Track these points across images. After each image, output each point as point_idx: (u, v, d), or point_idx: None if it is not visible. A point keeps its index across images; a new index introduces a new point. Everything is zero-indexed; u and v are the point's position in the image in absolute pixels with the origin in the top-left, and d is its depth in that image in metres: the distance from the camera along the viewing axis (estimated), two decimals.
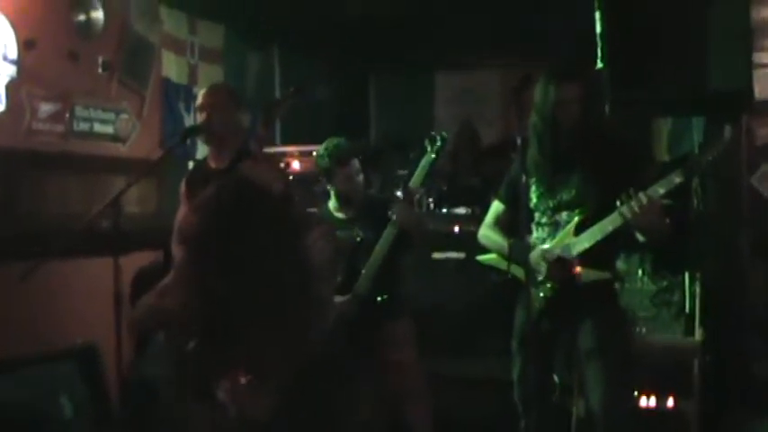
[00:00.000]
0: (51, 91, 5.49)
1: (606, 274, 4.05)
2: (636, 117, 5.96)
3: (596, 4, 5.34)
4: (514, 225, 4.18)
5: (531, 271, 3.99)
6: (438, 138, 4.82)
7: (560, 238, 4.00)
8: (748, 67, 5.70)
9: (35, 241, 5.06)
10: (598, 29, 5.37)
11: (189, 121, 6.77)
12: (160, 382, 4.60)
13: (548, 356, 4.17)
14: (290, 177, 6.24)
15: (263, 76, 8.20)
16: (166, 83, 6.67)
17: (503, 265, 4.16)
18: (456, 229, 6.25)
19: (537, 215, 4.12)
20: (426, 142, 4.85)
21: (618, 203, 3.81)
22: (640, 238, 3.91)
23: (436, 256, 6.14)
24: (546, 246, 4.03)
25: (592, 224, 3.93)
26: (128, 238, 4.44)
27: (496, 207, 4.38)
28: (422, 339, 4.87)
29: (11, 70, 5.19)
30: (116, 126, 6.07)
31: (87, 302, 5.28)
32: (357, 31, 7.88)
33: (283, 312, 2.10)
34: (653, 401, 5.14)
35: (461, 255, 6.01)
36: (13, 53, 5.20)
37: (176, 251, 4.79)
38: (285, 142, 7.58)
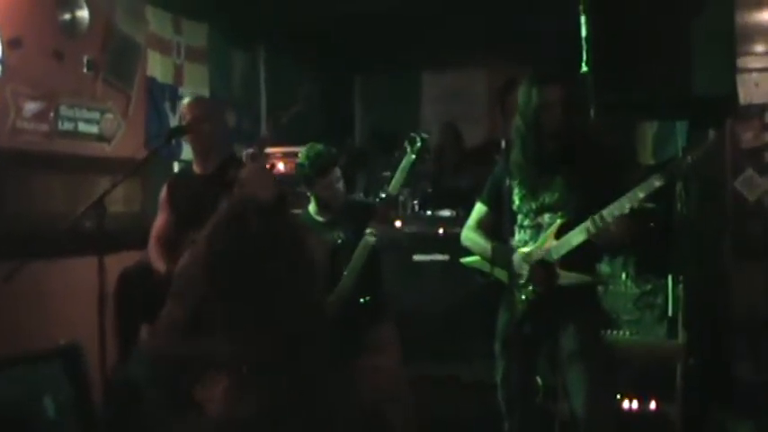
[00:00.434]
0: (36, 90, 5.47)
1: (587, 278, 4.07)
2: (621, 121, 5.97)
3: (582, 8, 5.35)
4: (497, 227, 4.20)
5: (513, 274, 4.01)
6: (418, 138, 4.80)
7: (541, 242, 4.01)
8: (732, 71, 5.72)
9: (19, 241, 5.05)
10: (583, 32, 5.38)
11: (174, 120, 6.74)
12: (144, 383, 4.60)
13: (530, 359, 4.19)
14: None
15: (248, 75, 8.19)
16: (152, 82, 6.66)
17: (486, 267, 4.18)
18: (440, 231, 6.26)
19: (519, 217, 4.13)
20: (406, 143, 4.83)
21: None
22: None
23: (420, 258, 6.15)
24: (527, 249, 4.04)
25: (573, 228, 3.95)
26: (112, 238, 4.43)
27: (479, 209, 4.39)
28: (405, 342, 4.88)
29: None
30: (101, 126, 6.05)
31: (71, 302, 5.27)
32: (343, 30, 7.89)
33: (282, 315, 2.10)
34: (636, 404, 5.17)
35: (446, 257, 6.02)
36: None
37: (155, 258, 4.79)
38: (266, 135, 7.59)
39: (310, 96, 8.81)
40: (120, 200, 5.89)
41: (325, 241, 4.73)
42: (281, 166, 6.57)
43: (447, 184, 7.42)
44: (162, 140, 5.28)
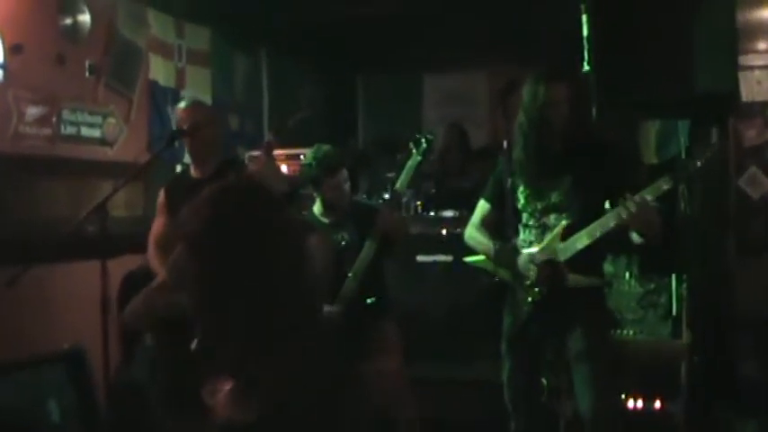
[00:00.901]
0: (38, 95, 5.48)
1: (595, 280, 4.06)
2: (623, 120, 5.97)
3: (583, 8, 5.34)
4: (500, 225, 4.19)
5: (518, 275, 3.99)
6: (423, 140, 4.82)
7: (547, 243, 3.98)
8: (734, 69, 5.71)
9: (22, 245, 5.05)
10: (585, 32, 5.38)
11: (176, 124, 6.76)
12: (148, 387, 4.61)
13: (536, 359, 4.18)
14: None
15: (250, 78, 8.19)
16: (154, 86, 6.66)
17: (491, 266, 4.16)
18: (443, 231, 6.26)
19: (524, 216, 4.11)
20: (411, 144, 4.84)
21: (609, 207, 3.81)
22: (636, 239, 3.90)
23: (423, 259, 6.14)
24: (533, 250, 4.03)
25: (579, 229, 3.91)
26: (115, 241, 4.43)
27: (482, 207, 4.36)
28: (408, 342, 4.88)
29: None
30: (103, 130, 6.06)
31: (75, 307, 5.27)
32: (345, 32, 7.89)
33: (278, 317, 2.10)
34: (640, 403, 5.16)
35: (449, 258, 6.02)
36: (0, 57, 5.19)
37: (155, 262, 4.79)
38: (273, 139, 7.58)
39: (314, 101, 8.82)
40: (122, 204, 5.90)
41: (330, 242, 4.73)
42: (284, 168, 6.57)
43: (451, 184, 7.41)
44: (164, 144, 5.28)
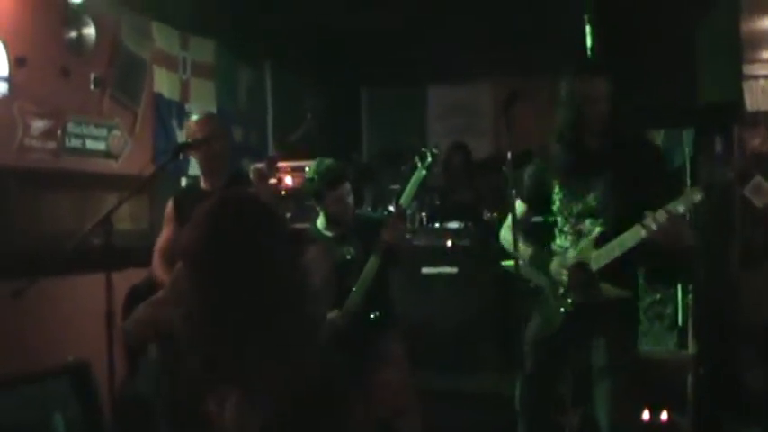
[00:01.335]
0: (43, 108, 5.49)
1: (627, 292, 3.91)
2: (628, 129, 5.97)
3: (587, 18, 5.36)
4: (536, 226, 4.12)
5: (552, 281, 3.92)
6: (428, 154, 4.80)
7: (581, 249, 3.88)
8: (738, 78, 5.72)
9: (28, 258, 5.05)
10: (588, 43, 5.39)
11: (181, 136, 6.75)
12: (153, 400, 4.60)
13: (558, 368, 4.12)
14: (282, 193, 6.25)
15: (254, 90, 8.20)
16: (158, 99, 6.67)
17: (527, 271, 4.10)
18: (448, 243, 6.25)
19: (560, 221, 4.02)
20: (417, 158, 4.82)
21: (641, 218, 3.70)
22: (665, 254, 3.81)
23: (428, 270, 6.13)
24: (568, 256, 3.93)
25: (614, 236, 3.80)
26: (120, 254, 4.42)
27: (519, 207, 4.12)
28: (414, 354, 4.86)
29: (2, 87, 5.19)
30: (108, 142, 6.06)
31: (79, 320, 5.26)
32: (348, 44, 7.90)
33: (277, 329, 2.09)
34: (647, 414, 5.14)
35: (454, 269, 6.01)
36: (5, 70, 5.20)
37: (160, 273, 4.79)
38: (276, 154, 7.57)
39: (318, 113, 8.81)
40: (127, 217, 5.89)
41: (334, 256, 4.72)
42: (288, 181, 6.57)
43: (455, 196, 7.41)
44: (169, 157, 5.28)
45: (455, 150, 7.80)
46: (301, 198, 5.30)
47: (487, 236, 6.00)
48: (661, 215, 3.59)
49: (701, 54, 5.53)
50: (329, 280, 4.61)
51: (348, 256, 4.75)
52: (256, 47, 7.86)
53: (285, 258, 2.16)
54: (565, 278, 3.88)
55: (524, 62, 7.45)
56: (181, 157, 5.71)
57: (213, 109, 7.17)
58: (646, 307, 5.42)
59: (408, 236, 5.94)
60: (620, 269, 3.83)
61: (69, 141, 5.72)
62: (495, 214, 6.27)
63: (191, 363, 2.14)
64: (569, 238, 3.98)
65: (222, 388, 2.15)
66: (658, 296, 5.42)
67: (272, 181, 5.98)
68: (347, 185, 4.81)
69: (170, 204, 4.97)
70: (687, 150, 5.66)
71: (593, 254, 3.84)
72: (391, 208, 4.86)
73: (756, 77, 5.85)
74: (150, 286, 4.88)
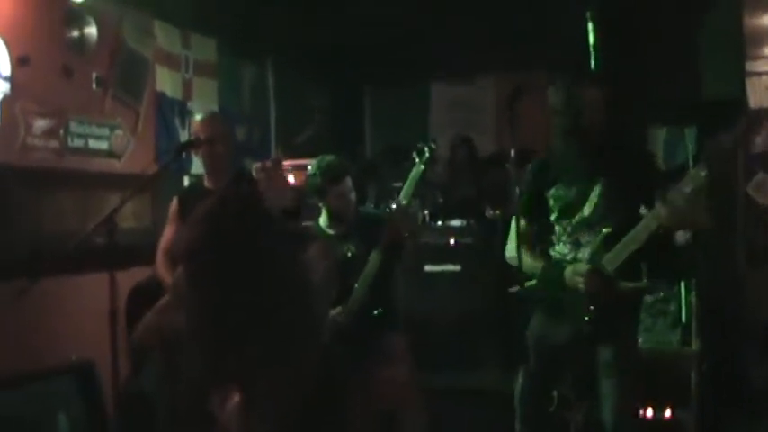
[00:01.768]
0: (46, 107, 5.49)
1: (644, 284, 3.95)
2: (630, 127, 5.96)
3: (589, 16, 5.35)
4: (538, 237, 4.10)
5: (570, 293, 3.88)
6: (426, 148, 4.79)
7: (592, 255, 3.84)
8: (742, 75, 5.71)
9: (31, 258, 5.05)
10: (591, 39, 5.38)
11: (184, 135, 6.77)
12: (156, 399, 4.60)
13: (561, 368, 4.11)
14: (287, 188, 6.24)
15: (257, 88, 8.20)
16: (161, 97, 6.67)
17: (547, 288, 4.01)
18: (452, 241, 6.24)
19: (558, 229, 4.01)
20: (415, 153, 4.81)
21: (646, 211, 3.69)
22: (681, 238, 3.77)
23: (432, 268, 6.13)
24: (580, 263, 3.88)
25: (619, 238, 3.77)
26: (123, 253, 4.42)
27: (518, 222, 4.09)
28: (417, 352, 4.86)
29: (5, 87, 5.20)
30: (111, 142, 6.07)
31: (83, 319, 5.27)
32: (351, 42, 7.89)
33: (279, 328, 2.09)
34: (650, 412, 5.14)
35: (457, 267, 6.00)
36: (7, 70, 5.20)
37: (163, 272, 4.79)
38: (281, 153, 7.58)
39: (321, 112, 8.81)
40: (130, 215, 5.90)
41: (336, 254, 4.72)
42: (291, 179, 6.57)
43: (458, 194, 7.40)
44: (172, 155, 5.28)
45: (459, 143, 7.81)
46: (304, 196, 5.28)
47: (490, 233, 6.00)
48: (673, 197, 3.57)
49: (704, 51, 5.52)
50: (331, 278, 4.60)
51: (350, 254, 4.74)
52: (258, 45, 7.85)
53: (286, 257, 2.15)
54: (582, 286, 3.85)
55: (527, 59, 7.44)
56: (183, 155, 5.72)
57: (215, 107, 7.17)
58: (649, 304, 5.41)
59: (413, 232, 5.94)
60: (628, 264, 3.80)
61: (72, 141, 5.72)
62: (498, 212, 6.26)
63: (193, 363, 2.14)
64: (568, 245, 3.97)
65: (225, 388, 2.15)
66: (661, 293, 5.41)
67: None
68: (349, 181, 4.80)
69: (174, 203, 4.98)
70: (690, 148, 5.65)
71: (606, 256, 3.82)
72: (393, 205, 4.82)
73: (759, 74, 5.84)
74: (154, 285, 4.89)
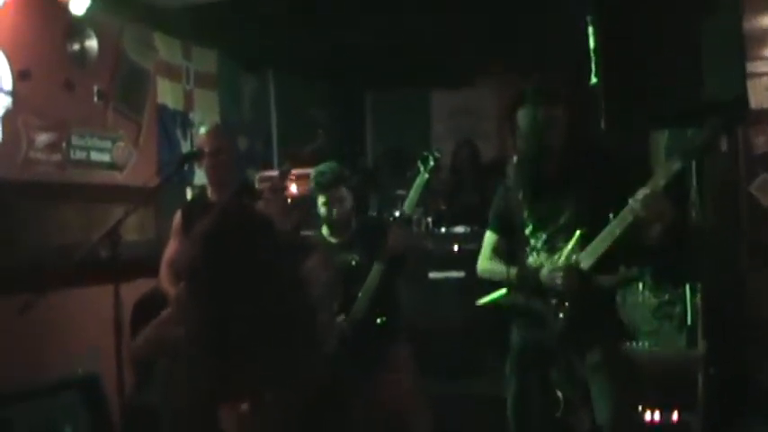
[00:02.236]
0: (47, 121, 5.50)
1: (624, 276, 3.98)
2: (631, 130, 5.96)
3: (589, 20, 5.35)
4: (511, 253, 4.13)
5: (543, 293, 3.92)
6: (431, 157, 4.78)
7: (568, 254, 3.87)
8: (743, 76, 5.71)
9: (35, 271, 5.05)
10: (591, 44, 5.38)
11: (185, 146, 6.78)
12: (162, 410, 4.59)
13: (549, 374, 4.13)
14: (288, 201, 6.23)
15: (258, 99, 8.21)
16: (162, 109, 6.68)
17: (507, 299, 4.08)
18: (455, 248, 6.23)
19: (533, 242, 4.02)
20: (419, 162, 4.80)
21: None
22: (654, 234, 3.80)
23: (436, 275, 6.12)
24: (557, 262, 3.91)
25: (593, 239, 3.81)
26: (127, 266, 4.42)
27: (490, 238, 4.25)
28: (422, 359, 4.85)
29: (6, 101, 5.21)
30: (113, 154, 6.08)
31: (88, 331, 5.27)
32: (352, 50, 7.90)
33: (282, 340, 2.09)
34: (657, 415, 5.13)
35: (461, 274, 5.99)
36: (8, 84, 5.22)
37: (167, 285, 4.79)
38: (282, 164, 7.57)
39: (322, 120, 8.81)
40: (134, 228, 5.90)
41: (338, 263, 4.70)
42: (293, 188, 6.55)
43: (461, 200, 7.40)
44: (174, 167, 5.28)
45: (462, 146, 7.81)
46: (307, 205, 5.27)
47: None
48: (642, 192, 3.61)
49: (705, 53, 5.51)
50: (332, 287, 4.59)
51: (353, 263, 4.72)
52: (259, 55, 7.86)
53: (287, 270, 2.16)
54: (560, 281, 3.88)
55: (529, 65, 7.44)
56: (186, 167, 5.72)
57: (217, 118, 7.19)
58: (654, 307, 5.41)
59: (416, 241, 5.93)
60: (608, 262, 3.83)
61: (74, 153, 5.73)
62: None
63: (197, 376, 2.14)
64: (543, 254, 3.99)
65: (229, 400, 2.15)
66: (666, 296, 5.40)
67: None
68: (342, 189, 4.76)
69: (177, 216, 4.97)
70: None
71: (581, 254, 3.85)
72: (397, 213, 4.80)
73: (760, 75, 5.84)
74: (158, 297, 4.89)
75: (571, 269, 3.85)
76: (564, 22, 6.06)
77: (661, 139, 6.30)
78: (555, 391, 4.16)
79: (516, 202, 4.00)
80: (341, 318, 4.59)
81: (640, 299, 5.43)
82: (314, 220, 5.12)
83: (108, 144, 6.04)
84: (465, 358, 5.87)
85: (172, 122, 6.77)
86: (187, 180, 6.71)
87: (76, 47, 5.81)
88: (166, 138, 6.69)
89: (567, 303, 3.90)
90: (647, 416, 5.12)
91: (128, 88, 6.26)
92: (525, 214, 4.02)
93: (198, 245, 2.15)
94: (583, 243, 3.85)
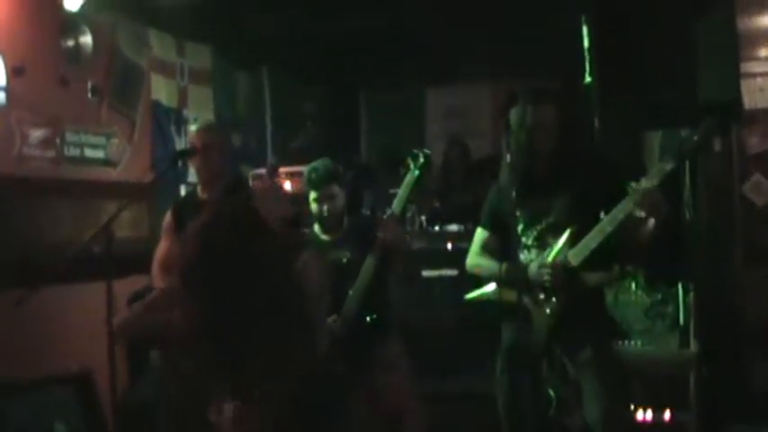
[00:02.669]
0: (41, 117, 5.49)
1: (613, 274, 4.08)
2: (626, 130, 5.97)
3: (584, 19, 5.35)
4: (502, 250, 4.15)
5: (531, 289, 3.94)
6: (421, 155, 4.76)
7: (558, 251, 3.91)
8: (737, 77, 5.71)
9: (28, 267, 5.04)
10: (586, 43, 5.38)
11: (180, 143, 6.77)
12: (154, 407, 4.60)
13: (541, 372, 4.13)
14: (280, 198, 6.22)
15: (252, 96, 8.20)
16: (156, 106, 6.67)
17: (495, 295, 4.11)
18: (448, 246, 6.24)
19: (524, 239, 4.05)
20: (409, 160, 4.79)
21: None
22: (645, 232, 3.82)
23: (429, 274, 6.11)
24: (546, 258, 3.95)
25: (582, 237, 3.85)
26: (120, 262, 4.42)
27: (481, 234, 4.30)
28: (414, 357, 4.85)
29: (0, 97, 5.19)
30: (107, 150, 6.07)
31: (81, 328, 5.26)
32: (346, 47, 7.90)
33: (275, 335, 2.10)
34: (650, 415, 5.14)
35: (454, 272, 5.99)
36: (2, 80, 5.20)
37: (159, 285, 4.78)
38: (276, 162, 7.56)
39: (316, 118, 8.80)
40: (127, 224, 5.88)
41: (329, 261, 4.70)
42: (287, 186, 6.55)
43: (454, 198, 7.40)
44: (167, 164, 5.27)
45: (452, 145, 7.82)
46: (301, 203, 5.26)
47: None
48: (638, 187, 3.66)
49: (699, 53, 5.52)
50: (323, 285, 4.59)
51: (345, 260, 4.71)
52: (253, 52, 7.85)
53: (280, 268, 2.16)
54: (548, 277, 3.90)
55: (523, 64, 7.44)
56: (179, 164, 5.71)
57: (211, 115, 7.18)
58: (647, 307, 5.42)
59: (408, 239, 5.92)
60: (599, 260, 3.88)
61: (68, 150, 5.72)
62: None
63: (190, 373, 2.15)
64: (534, 252, 4.03)
65: (221, 397, 2.15)
66: (659, 296, 5.41)
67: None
68: (334, 187, 4.75)
69: (168, 215, 4.95)
70: None
71: (571, 251, 3.88)
72: (389, 211, 4.78)
73: (754, 75, 5.86)
74: (151, 292, 4.88)
75: (559, 265, 3.90)
76: (559, 21, 6.06)
77: (655, 138, 6.32)
78: (546, 389, 4.17)
79: (508, 200, 4.01)
80: (332, 315, 4.59)
81: (633, 298, 5.44)
82: (308, 218, 5.12)
83: (102, 140, 6.03)
84: (458, 356, 5.87)
85: (166, 119, 6.76)
86: (181, 177, 6.70)
87: (71, 43, 5.80)
88: (160, 134, 6.68)
89: (554, 299, 3.93)
90: (639, 415, 5.13)
91: (122, 85, 6.25)
92: (517, 212, 4.03)
93: (190, 246, 2.16)
94: (573, 241, 3.89)
